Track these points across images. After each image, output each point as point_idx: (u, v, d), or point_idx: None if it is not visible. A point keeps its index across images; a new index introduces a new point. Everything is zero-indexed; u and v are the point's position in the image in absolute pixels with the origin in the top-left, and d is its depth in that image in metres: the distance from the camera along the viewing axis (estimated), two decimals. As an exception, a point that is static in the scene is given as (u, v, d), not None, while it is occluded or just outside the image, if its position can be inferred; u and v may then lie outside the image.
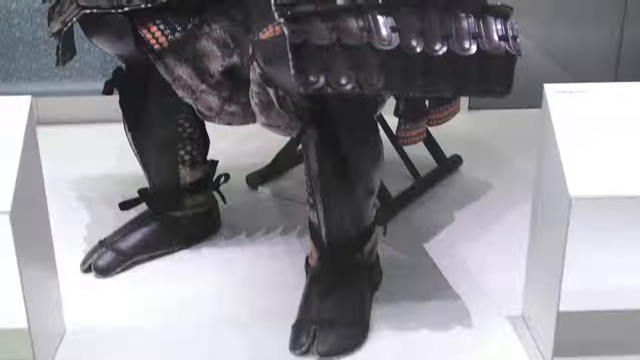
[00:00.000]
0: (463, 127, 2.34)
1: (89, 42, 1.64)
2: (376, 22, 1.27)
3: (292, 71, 1.23)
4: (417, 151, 2.04)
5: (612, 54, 2.61)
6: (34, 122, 1.38)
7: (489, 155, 2.30)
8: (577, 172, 1.29)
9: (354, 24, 1.27)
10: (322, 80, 1.24)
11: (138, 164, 1.77)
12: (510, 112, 2.48)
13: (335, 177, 1.47)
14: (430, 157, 2.14)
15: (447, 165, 2.16)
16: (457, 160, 2.19)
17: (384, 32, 1.27)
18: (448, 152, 2.18)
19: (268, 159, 2.14)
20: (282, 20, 1.26)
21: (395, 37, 1.27)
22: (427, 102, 1.74)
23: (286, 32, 1.24)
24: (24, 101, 1.35)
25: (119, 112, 1.72)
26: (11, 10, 2.39)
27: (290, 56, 1.23)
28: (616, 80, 2.60)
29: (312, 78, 1.23)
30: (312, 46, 1.24)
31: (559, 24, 2.56)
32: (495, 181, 2.14)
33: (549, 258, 1.39)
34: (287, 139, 1.90)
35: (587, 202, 1.28)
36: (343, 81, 1.25)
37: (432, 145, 2.11)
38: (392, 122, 1.68)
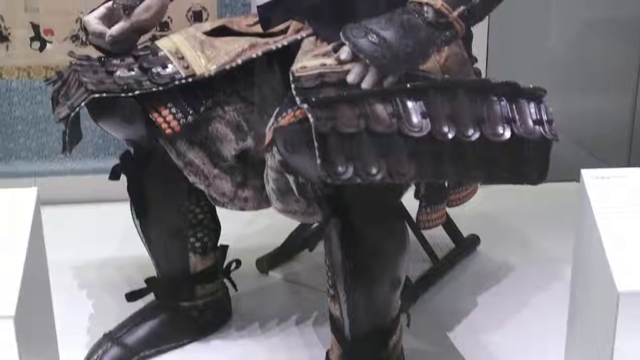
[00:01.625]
0: (477, 203, 2.27)
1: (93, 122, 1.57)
2: (405, 107, 1.21)
3: (318, 161, 1.15)
4: (433, 231, 1.95)
5: (625, 123, 2.57)
6: (40, 217, 1.29)
7: (505, 233, 2.22)
8: (624, 264, 1.21)
9: (382, 109, 1.20)
10: (350, 170, 1.16)
11: (143, 247, 1.68)
12: (524, 187, 2.41)
13: (361, 268, 1.38)
14: (446, 236, 2.06)
15: (465, 245, 2.07)
16: (474, 240, 2.11)
17: (415, 118, 1.20)
18: (464, 231, 2.11)
19: (277, 239, 2.05)
20: (305, 105, 1.19)
21: (426, 123, 1.20)
22: (447, 183, 1.67)
23: (311, 119, 1.16)
24: (31, 194, 1.26)
25: (121, 192, 1.64)
26: (11, 89, 2.32)
27: (316, 145, 1.15)
28: (631, 150, 2.55)
29: (340, 168, 1.16)
30: (339, 134, 1.17)
31: (569, 94, 2.52)
32: (515, 261, 2.06)
33: (593, 354, 1.30)
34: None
35: (636, 297, 1.19)
36: (373, 171, 1.17)
37: (448, 224, 2.03)
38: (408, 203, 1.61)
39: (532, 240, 2.17)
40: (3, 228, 1.22)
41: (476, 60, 1.68)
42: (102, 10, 1.53)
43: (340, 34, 1.30)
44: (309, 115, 1.17)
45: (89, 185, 2.33)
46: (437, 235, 2.02)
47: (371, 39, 1.27)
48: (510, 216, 2.32)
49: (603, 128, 2.54)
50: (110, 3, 1.53)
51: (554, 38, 2.56)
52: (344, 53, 1.29)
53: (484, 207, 2.34)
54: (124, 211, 1.66)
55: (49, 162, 2.39)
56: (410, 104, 1.21)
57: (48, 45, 2.27)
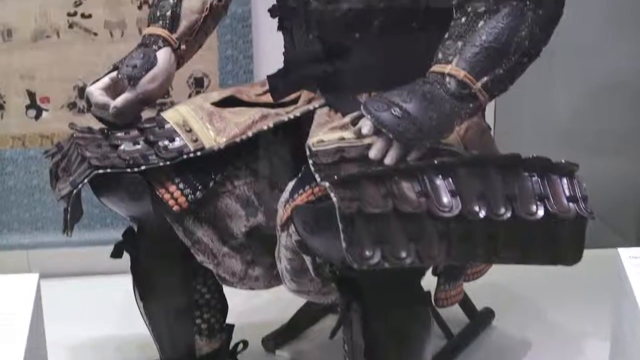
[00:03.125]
0: (490, 274, 2.19)
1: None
2: (434, 185, 1.14)
3: (343, 245, 1.08)
4: (447, 305, 1.88)
5: (637, 188, 2.52)
6: (40, 303, 1.20)
7: (519, 304, 2.13)
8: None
9: (409, 188, 1.13)
10: (378, 254, 1.09)
11: (143, 325, 1.59)
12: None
13: (384, 354, 1.29)
14: (459, 310, 1.98)
15: (480, 320, 1.99)
16: (489, 314, 2.02)
17: (444, 197, 1.13)
18: (476, 303, 2.02)
19: (284, 315, 1.96)
20: (327, 184, 1.12)
21: (456, 202, 1.13)
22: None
23: (334, 200, 1.09)
24: (31, 280, 1.18)
25: (119, 264, 1.55)
26: (4, 158, 2.24)
27: (341, 227, 1.08)
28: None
29: (367, 252, 1.08)
30: (365, 215, 1.09)
31: (577, 160, 2.47)
32: (532, 336, 1.97)
33: None
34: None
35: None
36: (402, 255, 1.09)
37: (463, 299, 1.95)
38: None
39: (547, 313, 2.09)
40: (3, 315, 1.15)
41: (489, 127, 1.62)
42: (105, 80, 1.46)
43: (361, 107, 1.24)
44: (332, 195, 1.10)
45: (84, 258, 2.23)
46: (450, 309, 1.93)
47: (394, 112, 1.21)
48: (522, 286, 2.23)
49: (613, 194, 2.48)
50: (114, 73, 1.47)
51: (560, 103, 2.52)
52: (366, 127, 1.22)
53: (494, 277, 2.26)
54: (122, 285, 1.58)
55: (42, 234, 2.29)
56: (438, 181, 1.14)
57: (44, 114, 2.20)
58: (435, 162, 1.16)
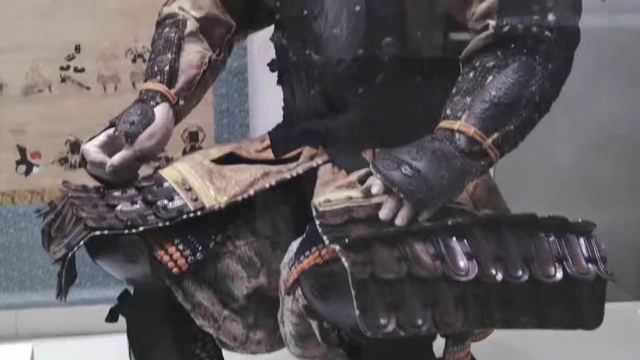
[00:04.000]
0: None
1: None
2: (449, 247, 1.09)
3: (356, 312, 1.02)
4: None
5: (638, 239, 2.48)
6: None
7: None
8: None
9: (423, 250, 1.08)
10: (393, 321, 1.03)
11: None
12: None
13: None
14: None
15: (487, 380, 1.92)
16: (495, 374, 1.96)
17: (460, 260, 1.08)
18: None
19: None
20: (337, 247, 1.06)
21: (472, 265, 1.08)
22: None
23: (346, 264, 1.04)
24: (25, 351, 1.11)
25: (110, 324, 1.48)
26: (-8, 215, 2.18)
27: (353, 294, 1.02)
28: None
29: (382, 320, 1.03)
30: (378, 280, 1.04)
31: (579, 212, 2.44)
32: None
33: None
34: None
35: None
36: (419, 322, 1.04)
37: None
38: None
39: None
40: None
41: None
42: (102, 138, 1.42)
43: (370, 165, 1.19)
44: (343, 259, 1.05)
45: (75, 318, 2.16)
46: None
47: (404, 170, 1.16)
48: (525, 342, 2.18)
49: (615, 245, 2.44)
50: (110, 130, 1.42)
51: (561, 154, 2.50)
52: (376, 187, 1.18)
53: (495, 332, 2.20)
54: (114, 345, 1.52)
55: (31, 293, 2.22)
56: (453, 243, 1.09)
57: (34, 169, 2.15)
58: (449, 223, 1.12)
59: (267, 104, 2.01)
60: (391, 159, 1.19)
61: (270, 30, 1.57)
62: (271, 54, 1.57)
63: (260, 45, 1.96)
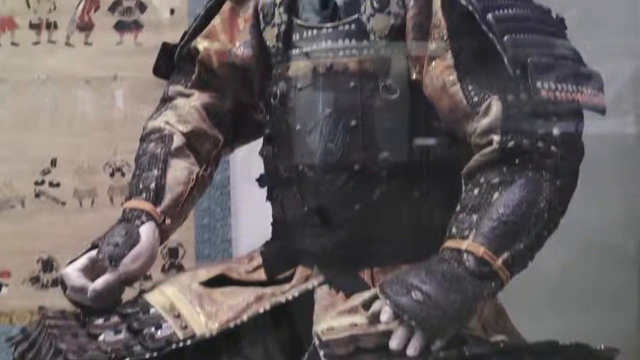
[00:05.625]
0: None
1: None
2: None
3: None
4: None
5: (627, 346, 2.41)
6: None
7: None
8: None
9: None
10: None
11: None
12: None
13: None
14: None
15: None
16: None
17: None
18: None
19: None
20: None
21: None
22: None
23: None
24: None
25: None
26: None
27: None
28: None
29: None
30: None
31: (568, 317, 2.38)
32: None
33: None
34: None
35: None
36: None
37: None
38: None
39: None
40: None
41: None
42: (83, 261, 1.33)
43: (378, 290, 1.12)
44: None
45: None
46: None
47: (414, 296, 1.09)
48: None
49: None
50: (93, 253, 1.33)
51: (548, 260, 2.45)
52: (385, 314, 1.10)
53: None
54: None
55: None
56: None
57: (3, 289, 2.04)
58: (467, 353, 1.04)
59: (251, 219, 1.95)
60: (399, 283, 1.12)
61: (255, 142, 1.53)
62: (254, 166, 1.52)
63: (244, 157, 1.92)
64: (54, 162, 2.04)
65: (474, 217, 1.19)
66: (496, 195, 1.20)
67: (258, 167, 1.51)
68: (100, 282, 1.30)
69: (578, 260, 2.44)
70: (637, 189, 2.41)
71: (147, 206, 1.40)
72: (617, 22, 2.28)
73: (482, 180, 1.23)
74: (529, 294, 2.38)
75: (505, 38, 1.21)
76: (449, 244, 1.19)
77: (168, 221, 1.41)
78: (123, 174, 2.02)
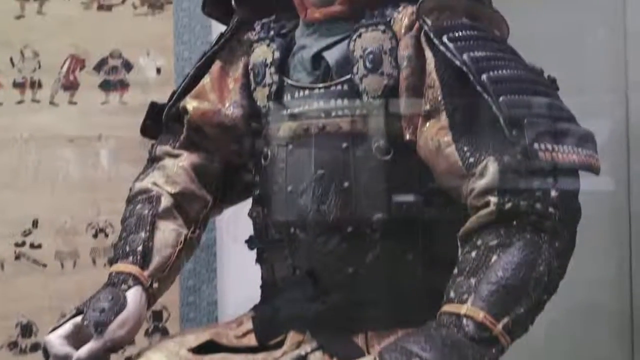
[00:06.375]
0: None
1: None
2: None
3: None
4: None
5: None
6: None
7: None
8: None
9: None
10: None
11: None
12: None
13: None
14: None
15: None
16: None
17: None
18: None
19: None
20: None
21: None
22: None
23: None
24: None
25: None
26: None
27: None
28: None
29: None
30: None
31: None
32: None
33: None
34: None
35: None
36: None
37: None
38: None
39: None
40: None
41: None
42: (68, 327, 1.28)
43: (377, 359, 1.08)
44: None
45: None
46: None
47: None
48: None
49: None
50: (78, 319, 1.29)
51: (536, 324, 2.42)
52: None
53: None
54: None
55: None
56: None
57: (-23, 358, 1.98)
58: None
59: (238, 281, 1.91)
60: (399, 351, 1.08)
61: (243, 203, 1.50)
62: (242, 227, 1.49)
63: (230, 217, 1.88)
64: (35, 223, 1.99)
65: (472, 280, 1.17)
66: (494, 258, 1.18)
67: (246, 228, 1.48)
68: (84, 350, 1.25)
69: (564, 320, 2.42)
70: (623, 248, 2.41)
71: (134, 270, 1.36)
72: (594, 83, 2.31)
73: (479, 242, 1.20)
74: (513, 355, 2.35)
75: (501, 99, 1.20)
76: (447, 308, 1.16)
77: (155, 285, 1.37)
78: (106, 235, 1.98)
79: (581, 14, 2.21)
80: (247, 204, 1.50)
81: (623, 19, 2.23)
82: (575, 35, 2.22)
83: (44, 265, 1.98)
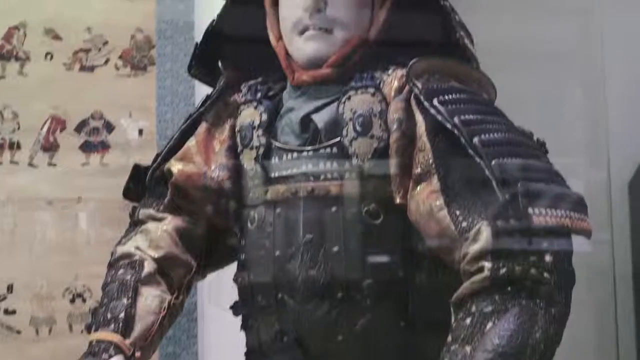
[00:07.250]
0: None
1: None
2: None
3: None
4: None
5: None
6: None
7: None
8: None
9: None
10: None
11: None
12: None
13: None
14: None
15: None
16: None
17: None
18: None
19: None
20: None
21: None
22: None
23: None
24: None
25: None
26: None
27: None
28: None
29: None
30: None
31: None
32: None
33: None
34: None
35: None
36: None
37: None
38: None
39: None
40: None
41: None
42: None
43: None
44: None
45: None
46: None
47: None
48: None
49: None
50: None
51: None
52: None
53: None
54: None
55: None
56: None
57: None
58: None
59: (220, 348, 1.86)
60: None
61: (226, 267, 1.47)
62: (225, 292, 1.46)
63: (212, 282, 1.85)
64: (10, 288, 1.94)
65: (467, 348, 1.14)
66: (490, 325, 1.15)
67: (229, 293, 1.45)
68: None
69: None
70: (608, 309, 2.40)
71: (115, 338, 1.32)
72: (576, 144, 2.33)
73: (473, 309, 1.18)
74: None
75: (494, 162, 1.19)
76: (443, 377, 1.12)
77: (138, 354, 1.33)
78: (84, 300, 1.93)
79: (563, 80, 2.25)
80: (230, 268, 1.46)
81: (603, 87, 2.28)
82: (557, 100, 2.26)
83: (18, 332, 1.93)
